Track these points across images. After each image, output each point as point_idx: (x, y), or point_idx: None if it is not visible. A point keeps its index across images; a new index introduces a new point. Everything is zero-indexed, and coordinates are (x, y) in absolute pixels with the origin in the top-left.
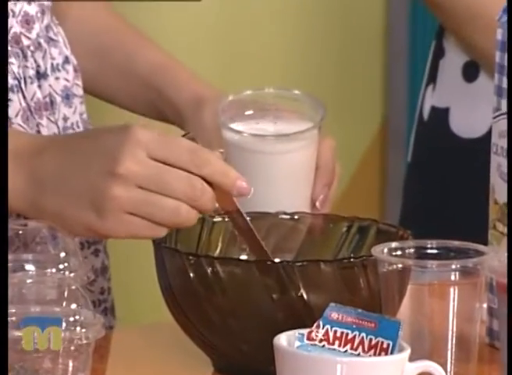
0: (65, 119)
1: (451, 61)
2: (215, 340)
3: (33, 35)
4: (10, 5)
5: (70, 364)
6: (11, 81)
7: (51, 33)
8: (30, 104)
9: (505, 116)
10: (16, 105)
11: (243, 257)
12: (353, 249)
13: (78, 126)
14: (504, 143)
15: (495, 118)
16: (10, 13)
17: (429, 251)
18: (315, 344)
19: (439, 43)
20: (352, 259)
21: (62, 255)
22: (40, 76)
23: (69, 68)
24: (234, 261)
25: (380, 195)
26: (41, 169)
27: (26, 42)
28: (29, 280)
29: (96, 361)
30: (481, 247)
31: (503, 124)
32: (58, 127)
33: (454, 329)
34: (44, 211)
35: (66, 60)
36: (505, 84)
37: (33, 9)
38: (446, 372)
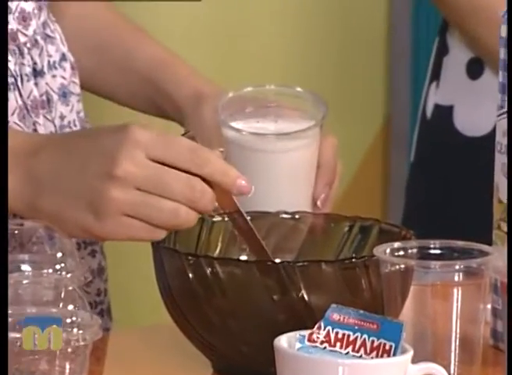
0: (62, 117)
1: (455, 58)
2: (214, 341)
3: (29, 32)
4: None
5: (67, 366)
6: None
7: (47, 30)
8: (26, 102)
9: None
10: (12, 103)
11: (243, 257)
12: (354, 249)
13: (75, 125)
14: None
15: (499, 116)
16: None
17: (432, 251)
18: (316, 346)
19: (443, 39)
20: (354, 260)
21: (59, 255)
22: (37, 73)
23: (66, 65)
24: (234, 261)
25: (382, 195)
26: (38, 169)
27: (22, 39)
28: (25, 281)
29: (93, 363)
30: (485, 247)
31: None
32: (54, 126)
33: (458, 330)
34: (41, 212)
35: (63, 57)
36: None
37: (29, 6)
38: (449, 374)
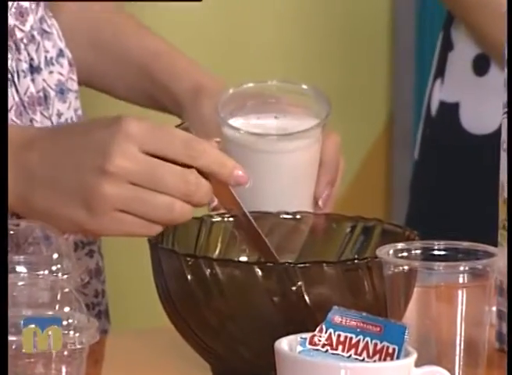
0: (60, 114)
1: (461, 53)
2: (213, 345)
3: (26, 27)
4: None
5: (63, 369)
6: None
7: (44, 25)
8: (23, 99)
9: None
10: (9, 99)
11: (243, 258)
12: (357, 250)
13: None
14: None
15: (504, 114)
16: None
17: (437, 252)
18: (318, 349)
19: (447, 34)
20: (356, 261)
21: (55, 256)
22: (34, 69)
23: (64, 62)
24: (234, 262)
25: (386, 194)
26: (31, 163)
27: (19, 35)
28: (20, 283)
29: (90, 366)
30: (490, 248)
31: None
32: (52, 123)
33: (462, 333)
34: (34, 207)
35: (61, 53)
36: None
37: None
38: None
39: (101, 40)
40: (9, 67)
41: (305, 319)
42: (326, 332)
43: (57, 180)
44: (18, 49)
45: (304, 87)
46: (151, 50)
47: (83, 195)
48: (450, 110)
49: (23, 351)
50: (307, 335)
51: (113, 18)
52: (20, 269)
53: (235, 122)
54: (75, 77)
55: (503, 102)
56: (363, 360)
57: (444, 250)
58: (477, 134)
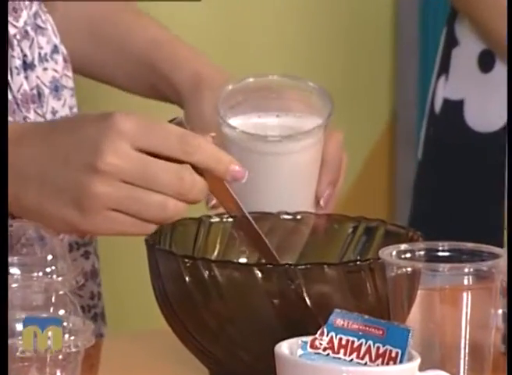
0: (54, 112)
1: (465, 49)
2: (212, 348)
3: (20, 23)
4: None
5: (58, 374)
6: None
7: (39, 20)
8: (16, 96)
9: None
10: None
11: (243, 260)
12: (359, 252)
13: None
14: None
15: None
16: None
17: (441, 253)
18: (319, 353)
19: (451, 30)
20: (358, 262)
21: (50, 257)
22: (27, 66)
23: (59, 58)
24: (233, 264)
25: (388, 194)
26: (21, 159)
27: (12, 31)
28: (14, 285)
29: (85, 371)
30: (495, 249)
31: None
32: None
33: (467, 337)
34: (26, 206)
35: (55, 49)
36: None
37: None
38: None
39: (101, 28)
40: None
41: (306, 322)
42: (328, 335)
43: (47, 179)
44: (11, 46)
45: (306, 82)
46: (152, 38)
47: (74, 194)
48: (455, 108)
49: (17, 354)
50: (308, 338)
51: (110, 6)
52: (14, 270)
53: (235, 121)
54: (70, 74)
55: (508, 99)
56: (365, 364)
57: (448, 251)
58: (482, 132)
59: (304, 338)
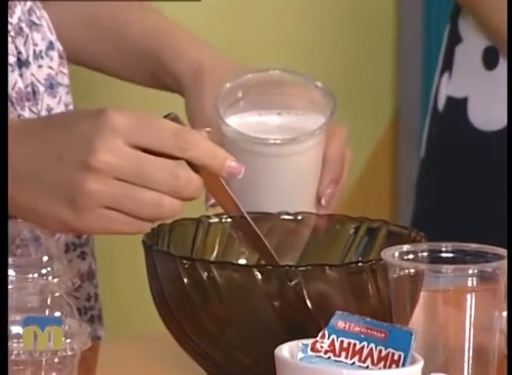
0: (49, 110)
1: (469, 46)
2: (211, 351)
3: (14, 20)
4: None
5: None
6: None
7: (33, 16)
8: (10, 94)
9: None
10: None
11: (242, 261)
12: (361, 253)
13: None
14: None
15: None
16: None
17: (444, 254)
18: (320, 356)
19: (454, 26)
20: (360, 264)
21: (45, 258)
22: (22, 63)
23: (54, 55)
24: (232, 265)
25: (391, 194)
26: (13, 157)
27: None
28: (9, 286)
29: (82, 374)
30: (500, 250)
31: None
32: None
33: (471, 339)
34: (19, 204)
35: (51, 46)
36: None
37: None
38: None
39: (101, 16)
40: None
41: (307, 325)
42: (329, 338)
43: (40, 176)
44: None
45: (308, 77)
46: (153, 26)
47: (67, 192)
48: (458, 106)
49: (12, 357)
50: (309, 341)
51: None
52: (9, 272)
53: (235, 119)
54: (66, 71)
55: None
56: (367, 367)
57: (452, 252)
58: (485, 131)
59: (305, 341)
